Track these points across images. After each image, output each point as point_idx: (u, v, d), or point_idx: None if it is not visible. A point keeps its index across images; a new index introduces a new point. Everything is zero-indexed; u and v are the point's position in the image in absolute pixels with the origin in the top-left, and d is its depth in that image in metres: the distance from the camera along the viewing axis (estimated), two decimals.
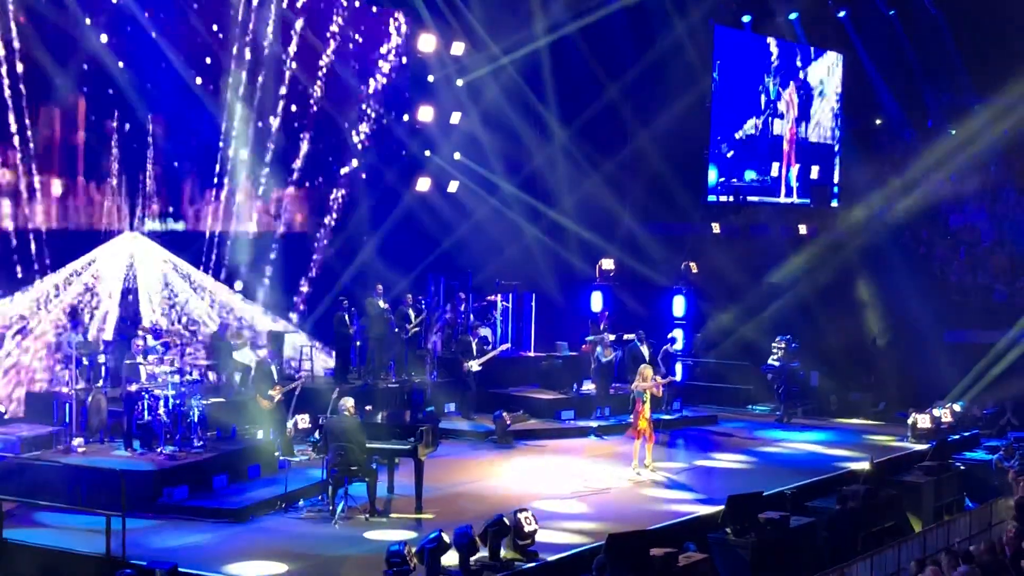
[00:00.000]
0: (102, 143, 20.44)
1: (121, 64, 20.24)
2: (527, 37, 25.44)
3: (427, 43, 24.56)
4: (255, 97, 22.51)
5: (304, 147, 23.67)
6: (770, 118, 28.38)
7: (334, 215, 24.32)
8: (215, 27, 21.94)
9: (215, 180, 22.32)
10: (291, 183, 23.67)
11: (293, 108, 23.38)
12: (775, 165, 28.54)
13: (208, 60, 21.84)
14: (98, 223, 20.63)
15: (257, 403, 17.82)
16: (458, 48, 25.05)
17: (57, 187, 19.96)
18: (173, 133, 21.35)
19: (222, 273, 22.33)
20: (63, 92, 19.72)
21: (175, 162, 21.60)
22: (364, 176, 24.73)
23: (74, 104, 20.03)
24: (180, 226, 21.89)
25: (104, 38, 20.05)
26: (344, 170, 24.48)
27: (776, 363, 23.44)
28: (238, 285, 22.53)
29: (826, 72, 29.61)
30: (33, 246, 19.57)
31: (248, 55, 22.34)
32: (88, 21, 19.86)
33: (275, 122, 22.96)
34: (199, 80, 21.57)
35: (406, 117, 25.29)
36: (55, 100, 19.72)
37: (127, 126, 20.72)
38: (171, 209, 21.71)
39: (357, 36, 24.45)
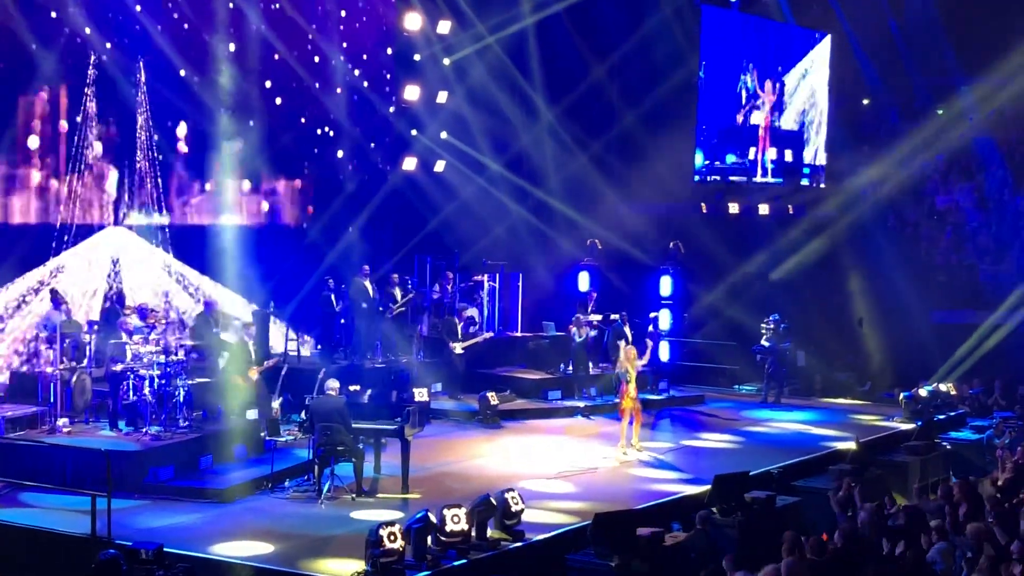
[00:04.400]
0: (84, 134, 20.09)
1: (104, 57, 19.96)
2: (514, 16, 25.34)
3: (413, 21, 24.43)
4: (241, 84, 22.30)
5: (291, 134, 23.51)
6: (749, 110, 28.32)
7: (321, 202, 24.17)
8: (198, 20, 21.66)
9: (201, 172, 22.08)
10: (278, 172, 23.49)
11: (278, 101, 23.19)
12: (751, 149, 28.49)
13: (194, 48, 21.53)
14: (81, 217, 20.29)
15: (235, 381, 17.83)
16: (444, 27, 24.93)
17: (37, 180, 19.61)
18: (158, 124, 21.09)
19: (207, 265, 22.10)
20: (44, 81, 19.43)
21: (160, 154, 21.33)
22: (350, 157, 24.60)
23: (56, 94, 19.70)
24: (165, 219, 21.60)
25: (88, 30, 19.75)
26: (338, 154, 24.36)
27: (767, 343, 23.44)
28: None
29: (802, 73, 29.49)
30: (11, 241, 19.23)
31: (233, 43, 22.12)
32: (72, 10, 19.56)
33: (260, 110, 22.72)
34: (183, 72, 21.27)
35: (392, 109, 25.12)
36: (36, 89, 19.40)
37: (110, 118, 20.45)
38: (156, 202, 21.42)
39: (343, 13, 24.33)
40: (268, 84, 22.95)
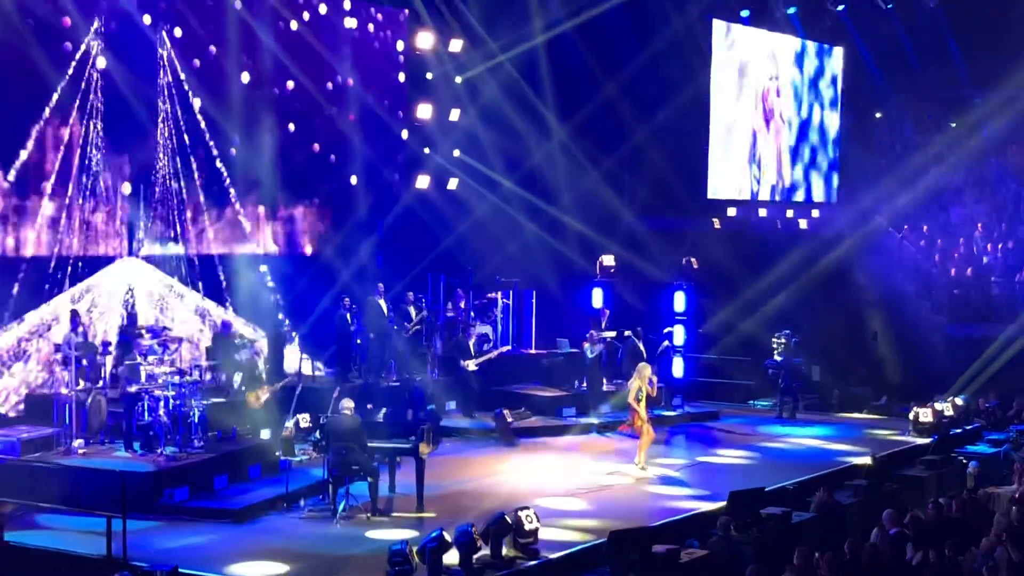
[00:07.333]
0: (98, 163, 19.91)
1: (118, 85, 19.81)
2: (525, 34, 25.39)
3: (425, 40, 24.54)
4: (255, 111, 22.34)
5: (305, 159, 23.51)
6: (757, 124, 28.38)
7: (337, 224, 24.16)
8: (213, 47, 21.67)
9: (217, 201, 22.00)
10: (294, 198, 23.46)
11: (292, 127, 23.18)
12: (759, 165, 28.57)
13: (210, 76, 21.45)
14: (95, 248, 20.07)
15: (248, 401, 17.95)
16: (456, 45, 25.01)
17: (49, 210, 19.42)
18: (173, 153, 21.00)
19: (224, 294, 22.03)
20: (58, 110, 19.26)
21: (175, 183, 21.20)
22: (364, 178, 24.59)
23: (69, 122, 19.43)
24: (180, 249, 21.42)
25: (102, 59, 19.67)
26: (351, 180, 24.38)
27: (779, 358, 23.40)
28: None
29: (806, 92, 29.60)
30: (23, 273, 19.00)
31: (248, 72, 22.15)
32: (87, 39, 19.52)
33: (275, 136, 22.74)
34: (198, 100, 21.07)
35: (405, 133, 25.16)
36: (49, 118, 19.24)
37: (124, 147, 20.26)
38: (171, 231, 21.30)
39: (355, 34, 24.42)
40: (281, 110, 22.94)
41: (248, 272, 22.11)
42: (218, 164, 21.76)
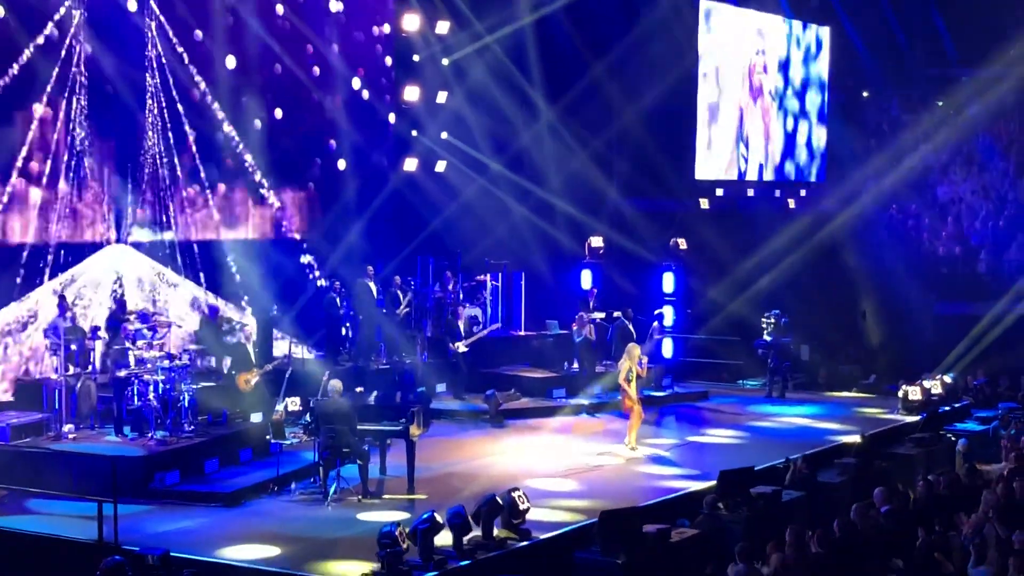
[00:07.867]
0: (85, 148, 19.76)
1: (105, 71, 19.72)
2: (511, 15, 25.29)
3: (412, 22, 24.44)
4: (243, 97, 22.25)
5: (293, 145, 23.43)
6: (744, 101, 28.38)
7: (326, 209, 24.10)
8: (200, 32, 21.47)
9: (205, 186, 21.92)
10: (283, 183, 23.38)
11: (279, 112, 23.10)
12: (747, 144, 28.60)
13: (197, 62, 21.21)
14: (83, 235, 19.91)
15: (238, 384, 17.95)
16: (443, 27, 24.94)
17: (37, 197, 19.23)
18: (161, 139, 20.90)
19: (213, 279, 21.93)
20: (44, 96, 19.12)
21: (163, 170, 21.11)
22: (352, 161, 24.54)
23: (56, 108, 19.30)
24: (169, 235, 21.29)
25: (89, 44, 19.51)
26: (339, 164, 24.31)
27: (768, 338, 23.49)
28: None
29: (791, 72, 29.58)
30: (9, 261, 18.77)
31: (234, 56, 22.03)
32: (74, 24, 19.36)
33: (263, 122, 22.64)
34: (186, 85, 20.94)
35: (393, 116, 25.10)
36: (35, 104, 19.12)
37: (112, 133, 20.14)
38: (160, 218, 21.13)
39: (342, 17, 24.34)
40: (268, 95, 22.85)
41: (238, 259, 22.05)
42: (207, 147, 21.66)
